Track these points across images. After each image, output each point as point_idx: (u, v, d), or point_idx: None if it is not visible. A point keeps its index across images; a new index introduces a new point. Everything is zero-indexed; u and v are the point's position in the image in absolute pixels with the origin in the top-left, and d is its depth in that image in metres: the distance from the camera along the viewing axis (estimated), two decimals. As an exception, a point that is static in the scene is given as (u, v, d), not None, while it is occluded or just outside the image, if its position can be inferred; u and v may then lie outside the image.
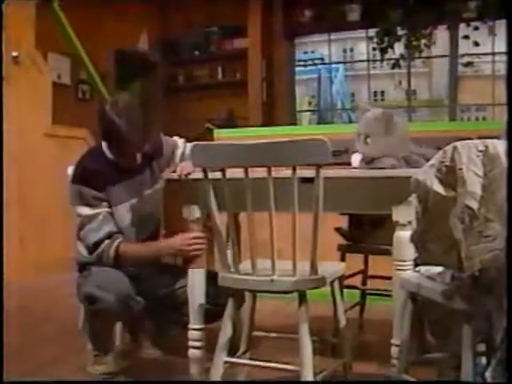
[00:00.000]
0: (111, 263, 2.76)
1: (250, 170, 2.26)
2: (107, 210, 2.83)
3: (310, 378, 2.24)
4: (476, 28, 7.12)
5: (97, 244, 2.77)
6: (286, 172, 2.26)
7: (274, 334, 2.97)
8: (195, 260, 2.84)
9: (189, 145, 3.11)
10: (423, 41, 7.30)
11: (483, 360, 2.27)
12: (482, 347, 2.28)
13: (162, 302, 2.94)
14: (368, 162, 2.82)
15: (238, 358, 2.58)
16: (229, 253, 2.46)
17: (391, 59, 7.66)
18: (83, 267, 2.87)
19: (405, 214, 2.50)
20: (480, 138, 1.92)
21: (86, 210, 2.80)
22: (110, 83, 7.60)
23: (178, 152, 3.13)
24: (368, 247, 3.51)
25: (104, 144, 2.89)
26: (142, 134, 2.80)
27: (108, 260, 2.76)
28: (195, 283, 2.85)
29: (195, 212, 2.86)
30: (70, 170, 3.03)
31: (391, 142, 2.80)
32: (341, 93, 11.45)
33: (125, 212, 2.90)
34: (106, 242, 2.77)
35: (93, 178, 2.83)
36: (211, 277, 2.74)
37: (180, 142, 3.19)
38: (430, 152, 2.61)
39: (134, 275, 2.81)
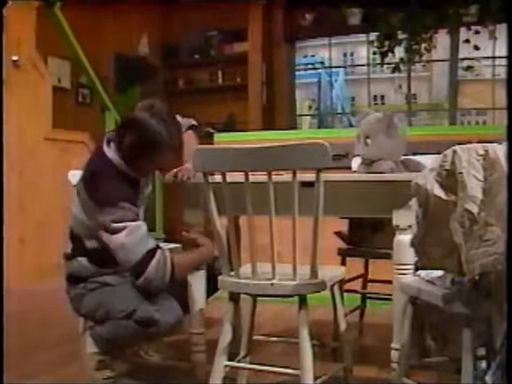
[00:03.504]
0: (169, 274, 2.53)
1: (250, 173, 2.26)
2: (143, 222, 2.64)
3: (310, 382, 2.24)
4: (476, 32, 7.13)
5: (149, 253, 2.50)
6: (287, 176, 2.27)
7: (274, 338, 2.98)
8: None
9: None
10: (423, 45, 7.33)
11: (483, 364, 2.27)
12: (482, 351, 2.28)
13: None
14: (367, 164, 2.82)
15: (238, 362, 2.58)
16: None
17: (391, 63, 7.68)
18: (78, 280, 2.74)
19: (405, 218, 2.50)
20: (480, 142, 1.92)
21: (130, 224, 2.52)
22: (110, 87, 7.61)
23: None
24: (368, 251, 3.50)
25: (110, 151, 2.68)
26: (180, 146, 2.70)
27: (166, 270, 2.52)
28: (196, 287, 2.85)
29: (197, 216, 2.87)
30: (71, 175, 2.99)
31: (391, 145, 2.80)
32: (341, 97, 11.45)
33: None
34: (159, 251, 2.54)
35: (127, 194, 2.60)
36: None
37: None
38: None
39: None
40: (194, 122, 3.10)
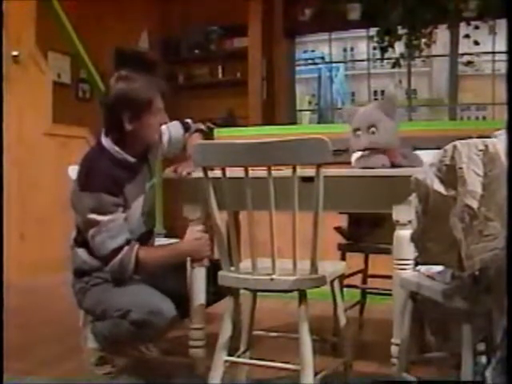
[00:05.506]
0: (131, 271, 2.62)
1: (250, 168, 2.26)
2: (123, 215, 2.68)
3: (310, 377, 2.24)
4: (476, 27, 7.11)
5: (115, 251, 2.60)
6: (286, 171, 2.27)
7: (274, 334, 2.97)
8: (202, 259, 2.85)
9: (172, 124, 3.06)
10: (423, 40, 7.30)
11: (483, 359, 2.28)
12: (481, 346, 2.28)
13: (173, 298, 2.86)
14: (358, 158, 2.82)
15: (238, 357, 2.58)
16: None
17: (391, 58, 7.66)
18: (83, 274, 2.78)
19: (405, 214, 2.50)
20: (480, 137, 1.92)
21: (103, 218, 2.60)
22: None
23: (165, 138, 3.00)
24: (368, 246, 3.51)
25: (107, 141, 2.74)
26: (160, 90, 2.83)
27: (128, 268, 2.61)
28: (196, 282, 2.86)
29: (197, 211, 2.87)
30: (71, 170, 2.99)
31: (395, 127, 2.76)
32: (341, 92, 11.46)
33: (135, 210, 2.79)
34: (126, 248, 2.61)
35: (111, 182, 2.65)
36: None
37: (163, 127, 2.98)
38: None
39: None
40: (203, 127, 3.15)
